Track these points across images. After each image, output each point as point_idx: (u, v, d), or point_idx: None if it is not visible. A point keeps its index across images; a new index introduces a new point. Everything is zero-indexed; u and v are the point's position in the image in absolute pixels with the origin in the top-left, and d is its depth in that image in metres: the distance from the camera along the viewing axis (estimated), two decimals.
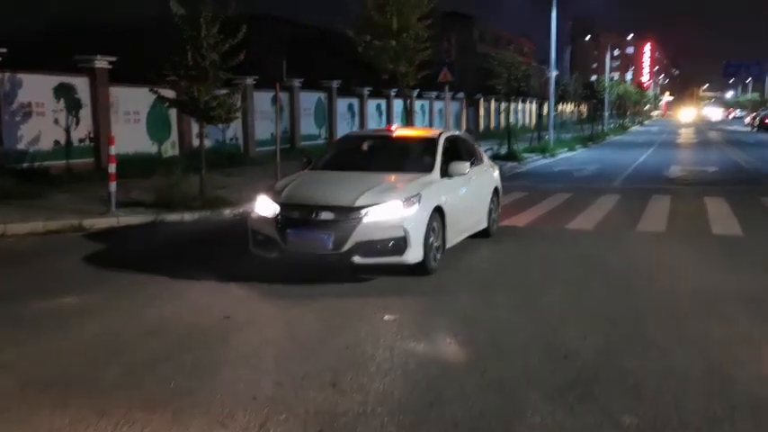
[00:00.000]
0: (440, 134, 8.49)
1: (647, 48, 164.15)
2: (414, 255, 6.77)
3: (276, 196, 7.09)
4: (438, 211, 7.23)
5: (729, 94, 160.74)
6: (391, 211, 6.73)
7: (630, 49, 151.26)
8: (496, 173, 10.04)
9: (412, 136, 9.27)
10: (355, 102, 28.73)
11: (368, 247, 6.61)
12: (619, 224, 10.75)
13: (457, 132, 9.45)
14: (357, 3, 15.99)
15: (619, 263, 7.88)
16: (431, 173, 7.69)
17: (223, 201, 12.20)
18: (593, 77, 59.37)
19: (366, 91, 28.84)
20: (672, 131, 56.34)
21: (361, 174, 7.69)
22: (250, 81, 21.57)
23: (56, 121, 15.69)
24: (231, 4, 12.26)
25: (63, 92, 15.88)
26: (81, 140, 16.36)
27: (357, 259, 6.62)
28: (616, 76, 64.81)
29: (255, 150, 22.02)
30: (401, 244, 6.68)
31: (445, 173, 7.81)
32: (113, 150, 11.19)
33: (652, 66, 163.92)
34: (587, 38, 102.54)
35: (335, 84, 26.74)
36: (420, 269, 6.95)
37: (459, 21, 55.39)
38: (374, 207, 6.69)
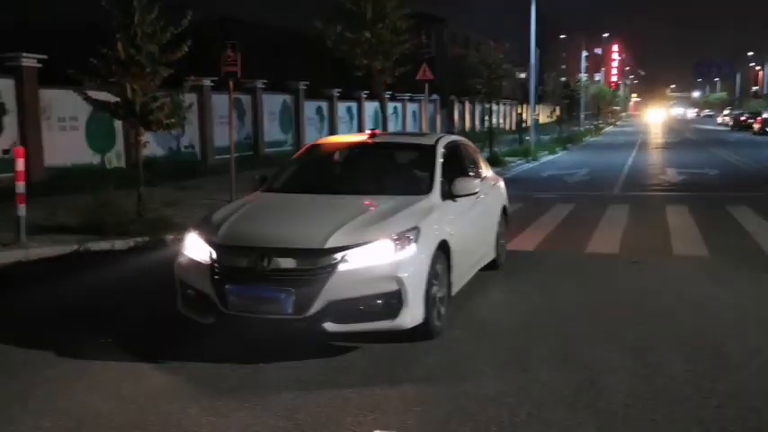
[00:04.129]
0: (437, 140, 6.40)
1: (615, 48, 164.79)
2: (411, 316, 4.71)
3: (212, 233, 4.94)
4: (442, 249, 5.17)
5: (696, 94, 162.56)
6: (378, 254, 4.66)
7: (599, 50, 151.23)
8: (503, 186, 8.05)
9: (401, 143, 7.10)
10: (324, 104, 26.66)
11: (345, 309, 4.52)
12: (647, 246, 8.85)
13: (457, 137, 7.36)
14: None
15: (680, 310, 5.88)
16: (429, 194, 5.62)
17: (166, 223, 10.01)
18: (562, 79, 58.22)
19: (336, 93, 26.78)
20: (647, 132, 55.38)
21: (334, 198, 5.58)
22: (208, 82, 19.53)
23: None
24: None
25: None
26: (5, 152, 14.03)
27: (330, 326, 4.53)
28: (585, 77, 63.64)
29: (215, 158, 19.93)
30: (393, 302, 4.61)
31: (447, 193, 5.77)
32: (21, 165, 8.96)
33: (620, 67, 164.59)
34: (562, 37, 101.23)
35: (302, 85, 24.63)
36: (420, 331, 4.90)
37: (431, 23, 53.72)
38: (354, 249, 4.60)
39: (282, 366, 4.55)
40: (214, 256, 4.74)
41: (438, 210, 5.45)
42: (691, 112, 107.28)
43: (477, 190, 5.92)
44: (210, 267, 4.72)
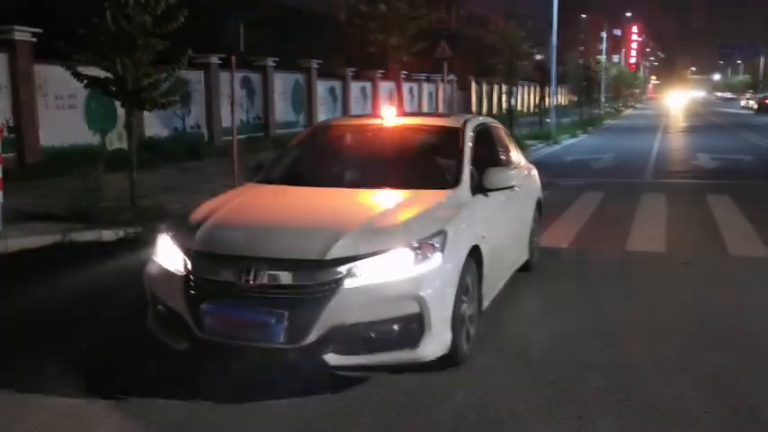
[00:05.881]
0: (465, 122, 5.38)
1: (635, 30, 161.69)
2: (436, 344, 3.76)
3: (187, 237, 4.00)
4: (473, 256, 4.21)
5: (717, 77, 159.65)
6: (395, 266, 3.70)
7: (618, 32, 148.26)
8: (536, 175, 7.06)
9: (422, 125, 5.94)
10: (337, 84, 25.60)
11: (351, 337, 3.58)
12: (696, 243, 7.88)
13: (486, 119, 6.32)
14: None
15: (760, 330, 4.87)
16: (456, 188, 4.64)
17: (160, 211, 9.15)
18: (580, 61, 56.84)
19: (350, 72, 25.70)
20: (668, 115, 53.93)
21: (341, 193, 4.64)
22: (215, 60, 18.59)
23: None
24: None
25: None
26: None
27: (332, 359, 3.59)
28: (604, 58, 62.06)
29: (222, 139, 18.98)
30: (413, 328, 3.66)
31: (478, 187, 4.80)
32: None
33: (640, 48, 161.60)
34: (583, 16, 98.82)
35: (315, 64, 23.58)
36: (445, 359, 3.95)
37: (448, 2, 52.38)
38: (363, 261, 3.65)
39: (271, 407, 3.62)
40: (189, 266, 3.81)
41: (468, 207, 4.48)
42: (717, 95, 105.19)
43: (513, 183, 4.94)
44: (185, 280, 3.78)
